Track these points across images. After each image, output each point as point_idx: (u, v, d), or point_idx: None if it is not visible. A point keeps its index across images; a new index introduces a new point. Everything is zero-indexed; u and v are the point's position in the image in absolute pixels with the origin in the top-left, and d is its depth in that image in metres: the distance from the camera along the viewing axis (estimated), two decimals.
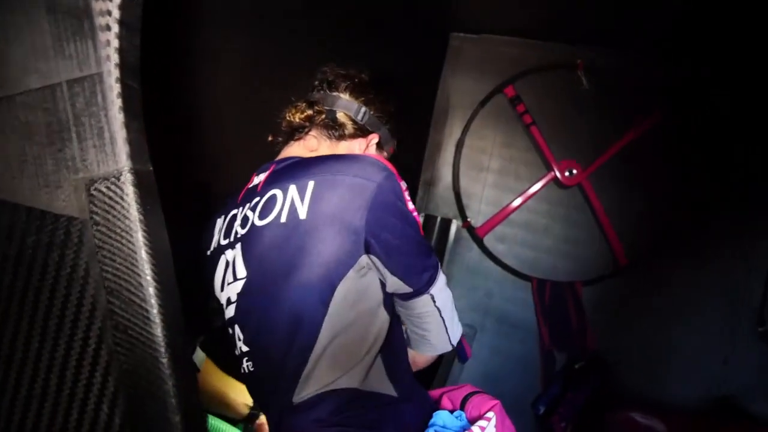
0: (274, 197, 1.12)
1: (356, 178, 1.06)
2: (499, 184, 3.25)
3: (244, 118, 1.74)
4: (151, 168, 0.84)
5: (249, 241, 1.13)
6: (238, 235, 1.16)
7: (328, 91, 1.34)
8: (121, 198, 0.79)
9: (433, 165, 3.38)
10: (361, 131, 1.34)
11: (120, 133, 0.79)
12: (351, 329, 1.08)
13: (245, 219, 1.16)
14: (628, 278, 3.00)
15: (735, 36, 2.46)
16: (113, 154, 0.79)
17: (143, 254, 0.79)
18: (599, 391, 2.79)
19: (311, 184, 1.08)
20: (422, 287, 1.15)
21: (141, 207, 0.79)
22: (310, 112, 1.30)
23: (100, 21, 0.77)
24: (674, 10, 2.30)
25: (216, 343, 1.45)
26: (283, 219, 1.08)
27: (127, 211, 0.79)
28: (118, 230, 0.79)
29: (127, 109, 0.79)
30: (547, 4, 2.63)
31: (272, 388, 1.11)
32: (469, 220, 3.24)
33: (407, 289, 1.14)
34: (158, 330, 0.79)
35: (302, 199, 1.07)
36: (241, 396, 1.40)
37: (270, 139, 1.37)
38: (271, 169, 1.22)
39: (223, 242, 1.21)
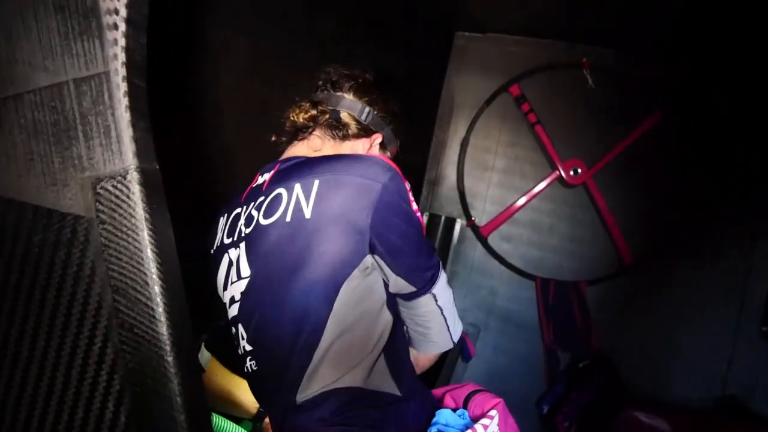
0: (279, 196, 1.12)
1: (362, 179, 1.06)
2: (503, 183, 3.25)
3: (249, 117, 1.74)
4: (158, 167, 0.84)
5: (254, 240, 1.13)
6: (243, 234, 1.16)
7: (332, 91, 1.34)
8: (128, 197, 0.79)
9: (437, 164, 3.38)
10: (365, 131, 1.34)
11: (126, 132, 0.78)
12: (355, 328, 1.08)
13: (250, 218, 1.16)
14: (633, 278, 3.00)
15: (735, 36, 2.45)
16: (120, 152, 0.79)
17: (149, 253, 0.79)
18: (603, 390, 2.79)
19: (316, 183, 1.08)
20: (425, 286, 1.16)
21: (147, 206, 0.79)
22: (313, 112, 1.30)
23: (108, 19, 0.77)
24: (674, 10, 2.30)
25: (220, 342, 1.46)
26: (288, 218, 1.08)
27: (133, 210, 0.79)
28: (124, 229, 0.79)
29: (133, 107, 0.79)
30: (551, 3, 2.62)
31: (275, 387, 1.11)
32: (473, 219, 3.24)
33: (411, 289, 1.14)
34: (164, 328, 0.79)
35: (307, 199, 1.07)
36: (247, 394, 1.40)
37: (273, 139, 1.37)
38: (276, 168, 1.22)
39: (227, 241, 1.21)
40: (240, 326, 1.16)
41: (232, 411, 1.40)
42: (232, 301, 1.17)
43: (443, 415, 1.18)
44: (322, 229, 1.05)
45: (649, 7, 2.35)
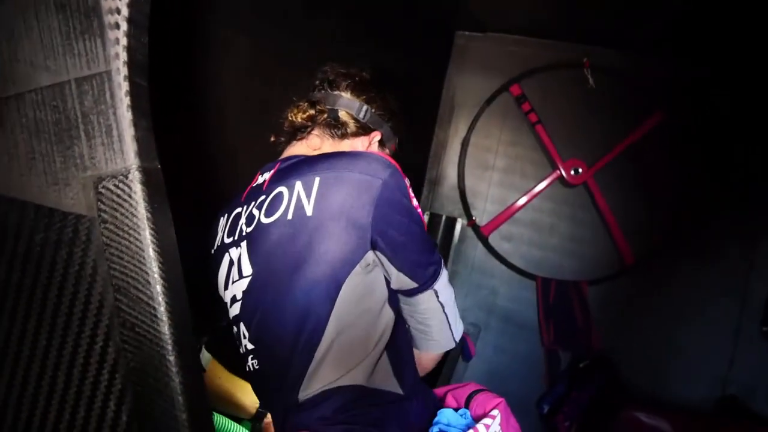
0: (280, 195, 1.12)
1: (362, 175, 1.07)
2: (504, 183, 3.25)
3: (250, 116, 1.75)
4: (159, 166, 0.84)
5: (255, 239, 1.13)
6: (244, 233, 1.16)
7: (329, 90, 1.34)
8: (129, 196, 0.79)
9: (438, 163, 3.38)
10: (363, 129, 1.34)
11: (128, 131, 0.79)
12: (356, 326, 1.08)
13: (251, 217, 1.16)
14: (634, 278, 3.00)
15: (735, 36, 2.46)
16: (121, 151, 0.79)
17: (151, 252, 0.79)
18: (604, 390, 2.79)
19: (317, 180, 1.08)
20: (427, 282, 1.15)
21: (149, 205, 0.79)
22: (312, 111, 1.30)
23: (109, 19, 0.77)
24: (674, 10, 2.30)
25: (221, 343, 1.46)
26: (289, 216, 1.08)
27: (135, 209, 0.79)
28: (126, 228, 0.79)
29: (135, 107, 0.79)
30: (551, 2, 2.62)
31: (277, 386, 1.11)
32: (474, 218, 3.24)
33: (412, 285, 1.14)
34: (165, 328, 0.79)
35: (308, 196, 1.07)
36: (248, 395, 1.40)
37: (272, 139, 1.37)
38: (276, 167, 1.22)
39: (227, 240, 1.21)
40: (242, 325, 1.16)
41: (232, 411, 1.40)
42: (234, 300, 1.17)
43: (445, 415, 1.18)
44: (324, 226, 1.05)
45: (649, 7, 2.35)
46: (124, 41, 0.78)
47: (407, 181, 1.14)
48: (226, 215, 1.26)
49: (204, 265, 1.30)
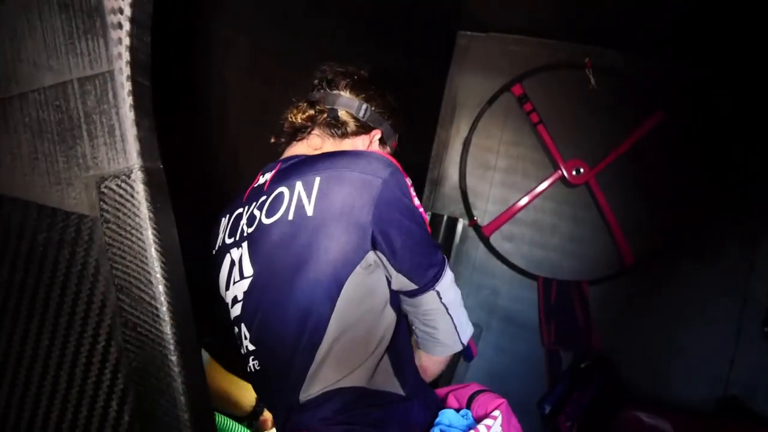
0: (281, 195, 1.12)
1: (362, 174, 1.07)
2: (505, 183, 3.25)
3: (250, 116, 1.75)
4: (162, 166, 0.84)
5: (256, 240, 1.13)
6: (245, 234, 1.16)
7: (328, 90, 1.34)
8: (132, 196, 0.79)
9: (439, 163, 3.38)
10: (364, 128, 1.34)
11: (131, 131, 0.79)
12: (358, 327, 1.08)
13: (252, 218, 1.16)
14: (635, 278, 3.00)
15: (735, 36, 2.46)
16: (124, 151, 0.79)
17: (153, 252, 0.79)
18: (604, 390, 2.79)
19: (317, 180, 1.08)
20: (427, 284, 1.14)
21: (151, 205, 0.79)
22: (311, 112, 1.30)
23: (112, 19, 0.77)
24: (674, 10, 2.30)
25: (221, 345, 1.46)
26: (290, 216, 1.08)
27: (137, 209, 0.79)
28: (128, 228, 0.79)
29: (138, 106, 0.79)
30: (552, 3, 2.62)
31: (279, 387, 1.11)
32: (475, 218, 3.24)
33: (412, 286, 1.14)
34: (167, 327, 0.79)
35: (309, 196, 1.07)
36: (244, 393, 1.41)
37: (273, 140, 1.37)
38: (277, 168, 1.22)
39: (228, 241, 1.21)
40: (243, 326, 1.16)
41: (229, 409, 1.40)
42: (235, 300, 1.17)
43: (446, 415, 1.18)
44: (324, 226, 1.05)
45: (649, 7, 2.35)
46: (126, 41, 0.78)
47: (408, 181, 1.13)
48: (227, 216, 1.26)
49: (206, 265, 1.30)
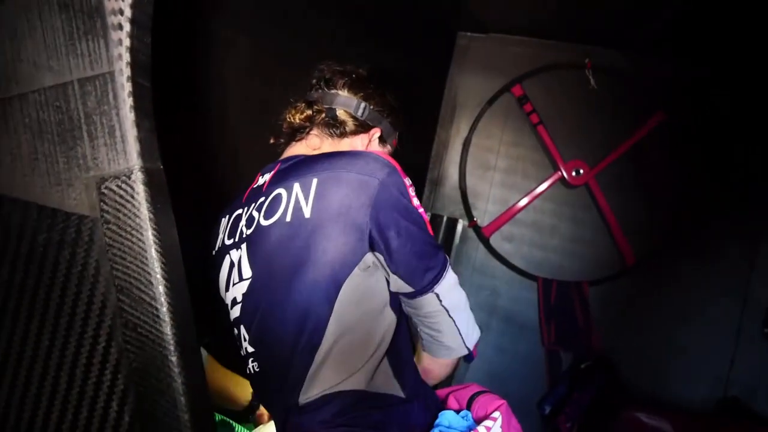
0: (279, 196, 1.11)
1: (360, 175, 1.06)
2: (505, 184, 3.25)
3: (250, 116, 1.75)
4: (162, 166, 0.84)
5: (255, 242, 1.13)
6: (244, 235, 1.16)
7: (326, 89, 1.33)
8: (132, 196, 0.79)
9: (439, 164, 3.38)
10: (362, 127, 1.32)
11: (131, 132, 0.79)
12: (357, 329, 1.07)
13: (251, 219, 1.15)
14: (635, 278, 3.00)
15: (735, 36, 2.46)
16: (124, 152, 0.79)
17: (153, 253, 0.79)
18: (604, 390, 2.79)
19: (315, 181, 1.07)
20: (425, 287, 1.12)
21: (151, 205, 0.79)
22: (309, 112, 1.29)
23: (113, 19, 0.77)
24: (674, 10, 2.30)
25: (220, 345, 1.46)
26: (288, 218, 1.08)
27: (138, 210, 0.79)
28: (129, 228, 0.79)
29: (138, 107, 0.79)
30: (552, 3, 2.62)
31: (278, 388, 1.11)
32: (475, 219, 3.24)
33: (409, 289, 1.11)
34: (168, 328, 0.79)
35: (306, 198, 1.07)
36: (240, 389, 1.41)
37: (272, 141, 1.37)
38: (276, 168, 1.21)
39: (228, 242, 1.20)
40: (242, 328, 1.16)
41: (226, 405, 1.41)
42: (234, 302, 1.16)
43: (446, 417, 1.17)
44: (322, 227, 1.04)
45: (649, 7, 2.35)
46: (127, 42, 0.78)
47: (408, 181, 1.12)
48: (227, 216, 1.26)
49: (205, 265, 1.30)
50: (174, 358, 0.79)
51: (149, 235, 0.78)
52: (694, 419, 2.50)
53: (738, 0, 2.11)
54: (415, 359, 1.34)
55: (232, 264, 1.18)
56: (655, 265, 2.95)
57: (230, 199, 1.31)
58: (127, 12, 0.77)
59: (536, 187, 3.14)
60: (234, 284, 1.16)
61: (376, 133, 1.35)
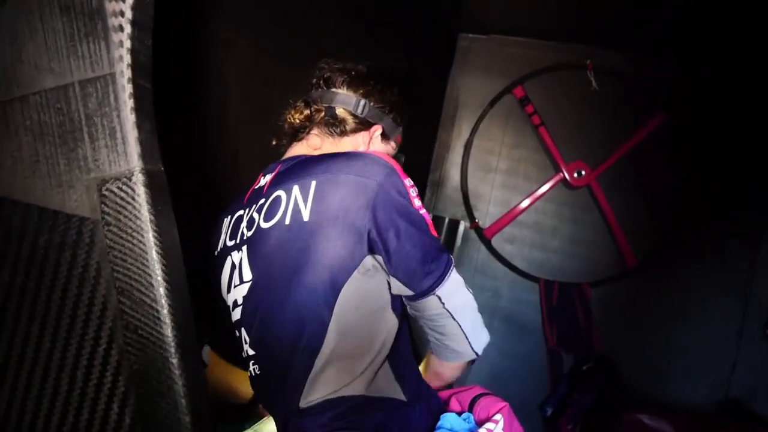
0: (278, 199, 1.11)
1: (358, 177, 1.05)
2: (507, 185, 3.25)
3: (250, 116, 1.74)
4: (163, 168, 0.84)
5: (255, 244, 1.12)
6: (245, 237, 1.15)
7: (325, 88, 1.32)
8: (133, 198, 0.79)
9: (441, 165, 3.38)
10: (363, 124, 1.31)
11: (132, 134, 0.79)
12: (357, 332, 1.06)
13: (251, 221, 1.15)
14: (636, 279, 3.00)
15: (735, 36, 2.46)
16: (125, 154, 0.79)
17: (154, 254, 0.79)
18: (605, 392, 2.79)
19: (313, 184, 1.07)
20: (425, 290, 1.09)
21: (152, 207, 0.79)
22: (308, 111, 1.29)
23: (113, 21, 0.77)
24: (674, 10, 2.30)
25: (221, 345, 1.47)
26: (287, 221, 1.07)
27: (138, 212, 0.79)
28: (129, 230, 0.79)
29: (139, 109, 0.79)
30: (552, 4, 2.63)
31: (278, 391, 1.10)
32: (477, 221, 3.24)
33: (408, 292, 1.10)
34: (168, 330, 0.79)
35: (305, 200, 1.06)
36: (243, 383, 1.41)
37: (274, 143, 1.36)
38: (277, 169, 1.21)
39: (229, 243, 1.20)
40: (243, 330, 1.15)
41: (229, 399, 1.41)
42: (235, 304, 1.16)
43: (448, 419, 1.17)
44: (320, 231, 1.03)
45: (649, 7, 2.35)
46: (128, 44, 0.78)
47: (408, 182, 1.11)
48: (229, 217, 1.25)
49: (207, 265, 1.30)
50: (175, 360, 0.79)
51: (150, 237, 0.78)
52: (694, 420, 2.50)
53: (738, 0, 2.11)
54: (424, 361, 1.33)
55: (233, 266, 1.17)
56: (655, 266, 2.95)
57: (231, 199, 1.31)
58: (128, 14, 0.77)
59: (538, 189, 3.14)
60: (235, 286, 1.16)
61: (377, 130, 1.32)
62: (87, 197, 0.80)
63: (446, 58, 3.34)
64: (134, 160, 0.79)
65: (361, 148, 1.30)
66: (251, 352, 1.14)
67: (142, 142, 0.79)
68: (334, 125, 1.28)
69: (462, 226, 3.29)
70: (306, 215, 1.05)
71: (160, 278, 0.79)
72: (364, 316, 1.08)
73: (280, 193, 1.11)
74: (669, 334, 2.87)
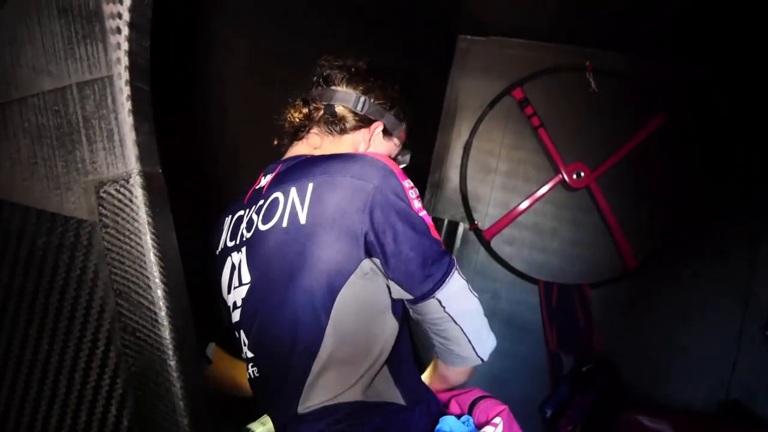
0: (276, 201, 1.10)
1: (354, 180, 1.03)
2: (506, 187, 3.25)
3: (250, 116, 1.74)
4: (161, 170, 0.84)
5: (253, 246, 1.12)
6: (244, 239, 1.15)
7: (324, 86, 1.30)
8: (130, 200, 0.79)
9: (440, 167, 3.38)
10: (363, 122, 1.29)
11: (129, 136, 0.79)
12: (356, 337, 1.06)
13: (251, 222, 1.15)
14: (636, 280, 3.00)
15: (735, 36, 2.46)
16: (123, 156, 0.79)
17: (152, 257, 0.79)
18: (606, 393, 2.79)
19: (311, 186, 1.06)
20: (425, 294, 1.06)
21: (150, 209, 0.79)
22: (306, 110, 1.28)
23: (111, 24, 0.77)
24: (674, 10, 2.30)
25: (226, 340, 1.46)
26: (284, 224, 1.06)
27: (136, 214, 0.79)
28: (127, 232, 0.79)
29: (136, 111, 0.79)
30: (552, 5, 2.63)
31: (277, 394, 1.10)
32: (476, 222, 3.24)
33: (407, 296, 1.08)
34: (166, 332, 0.79)
35: (302, 203, 1.05)
36: (246, 376, 1.41)
37: (275, 142, 1.35)
38: (277, 170, 1.20)
39: (230, 244, 1.20)
40: (242, 332, 1.15)
41: (235, 392, 1.41)
42: (235, 306, 1.16)
43: (447, 422, 1.16)
44: (317, 234, 1.02)
45: (649, 7, 2.36)
46: (125, 46, 0.78)
47: (407, 183, 1.09)
48: (230, 216, 1.25)
49: (207, 265, 1.29)
50: (173, 363, 0.79)
51: (148, 239, 0.78)
52: (694, 421, 2.50)
53: (738, 0, 2.11)
54: (431, 366, 1.33)
55: (233, 267, 1.17)
56: (655, 266, 2.95)
57: (231, 199, 1.30)
58: (126, 16, 0.77)
59: (537, 190, 3.14)
60: (235, 288, 1.16)
61: (378, 126, 1.30)
62: (85, 199, 0.80)
63: (446, 59, 3.34)
64: (132, 163, 0.79)
65: (362, 146, 1.29)
66: (250, 355, 1.14)
67: (140, 144, 0.79)
68: (334, 123, 1.27)
69: (461, 228, 3.28)
70: (303, 218, 1.04)
71: (158, 280, 0.79)
72: (364, 320, 1.07)
73: (278, 194, 1.10)
74: (669, 334, 2.87)
